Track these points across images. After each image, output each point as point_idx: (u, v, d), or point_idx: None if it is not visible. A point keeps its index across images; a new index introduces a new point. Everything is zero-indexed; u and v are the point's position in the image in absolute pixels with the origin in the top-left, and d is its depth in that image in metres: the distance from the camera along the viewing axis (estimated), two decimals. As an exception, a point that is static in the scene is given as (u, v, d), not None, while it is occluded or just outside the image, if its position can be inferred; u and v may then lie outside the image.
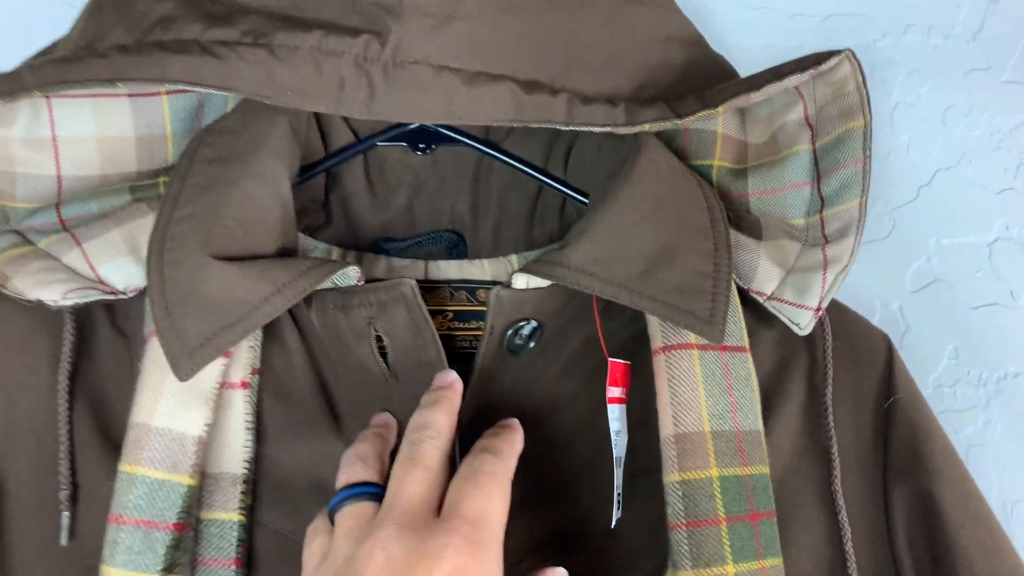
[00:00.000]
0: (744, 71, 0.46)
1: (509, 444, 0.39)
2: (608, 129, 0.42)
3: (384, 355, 0.44)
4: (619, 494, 0.44)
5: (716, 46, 0.54)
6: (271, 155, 0.43)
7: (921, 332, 0.57)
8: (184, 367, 0.39)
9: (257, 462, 0.44)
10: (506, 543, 0.36)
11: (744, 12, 0.58)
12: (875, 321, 0.56)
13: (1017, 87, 0.58)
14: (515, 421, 0.41)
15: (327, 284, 0.42)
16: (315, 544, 0.37)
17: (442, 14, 0.40)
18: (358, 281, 0.42)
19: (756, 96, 0.43)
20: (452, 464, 0.42)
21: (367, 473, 0.38)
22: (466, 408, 0.43)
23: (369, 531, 0.34)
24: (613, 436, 0.44)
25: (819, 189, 0.46)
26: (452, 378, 0.42)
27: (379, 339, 0.44)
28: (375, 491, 0.37)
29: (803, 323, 0.47)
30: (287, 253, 0.43)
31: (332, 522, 0.37)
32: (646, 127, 0.42)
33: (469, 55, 0.40)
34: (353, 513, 0.36)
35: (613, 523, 0.43)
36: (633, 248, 0.42)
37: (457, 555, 0.33)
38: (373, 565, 0.33)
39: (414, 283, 0.42)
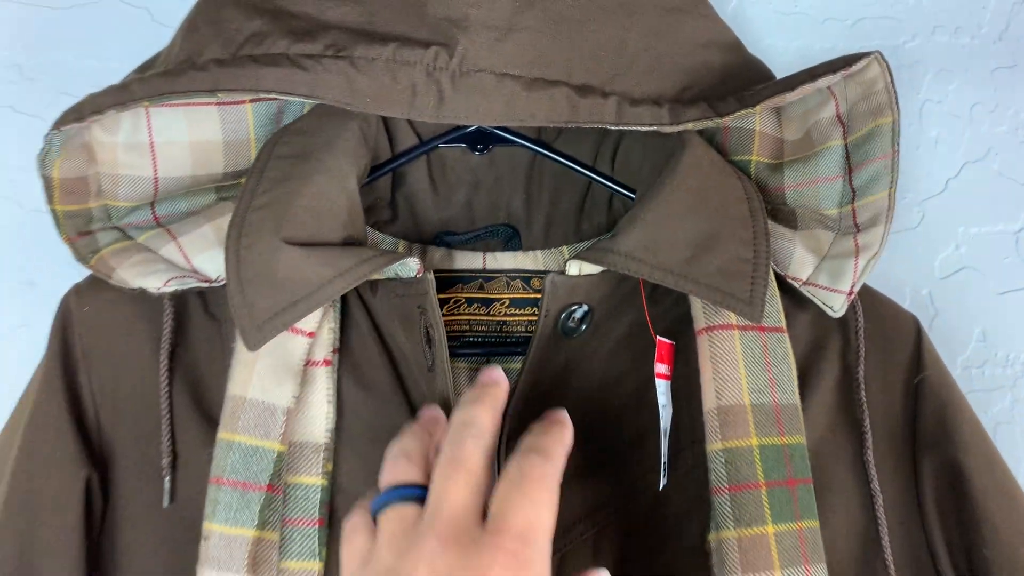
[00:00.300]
0: (780, 72, 0.49)
1: (558, 442, 0.38)
2: (654, 128, 0.46)
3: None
4: (665, 462, 0.48)
5: (753, 49, 0.58)
6: (341, 154, 0.48)
7: (950, 316, 0.60)
8: (253, 338, 0.43)
9: (337, 432, 0.48)
10: (560, 510, 0.40)
11: (779, 17, 0.61)
12: (906, 306, 0.59)
13: (1041, 83, 0.61)
14: (564, 414, 0.40)
15: (389, 274, 0.47)
16: (356, 543, 0.37)
17: (504, 27, 0.44)
18: (417, 273, 0.46)
19: (791, 96, 0.47)
20: (498, 459, 0.46)
21: (411, 472, 0.38)
22: (521, 388, 0.47)
23: (413, 541, 0.33)
24: (660, 409, 0.48)
25: (851, 181, 0.50)
26: (498, 375, 0.42)
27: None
28: (419, 493, 0.36)
29: (836, 306, 0.50)
30: (354, 243, 0.47)
31: (375, 521, 0.37)
32: (689, 126, 0.46)
33: (528, 63, 0.44)
34: (397, 517, 0.36)
35: (660, 487, 0.47)
36: (678, 236, 0.46)
37: (504, 572, 0.32)
38: None
39: (431, 276, 0.46)
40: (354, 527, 0.38)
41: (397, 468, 0.38)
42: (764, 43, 0.61)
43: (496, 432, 0.38)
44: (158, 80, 0.44)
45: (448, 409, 0.45)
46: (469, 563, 0.32)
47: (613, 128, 0.46)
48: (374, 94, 0.43)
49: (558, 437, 0.38)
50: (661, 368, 0.48)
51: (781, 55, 0.61)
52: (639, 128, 0.46)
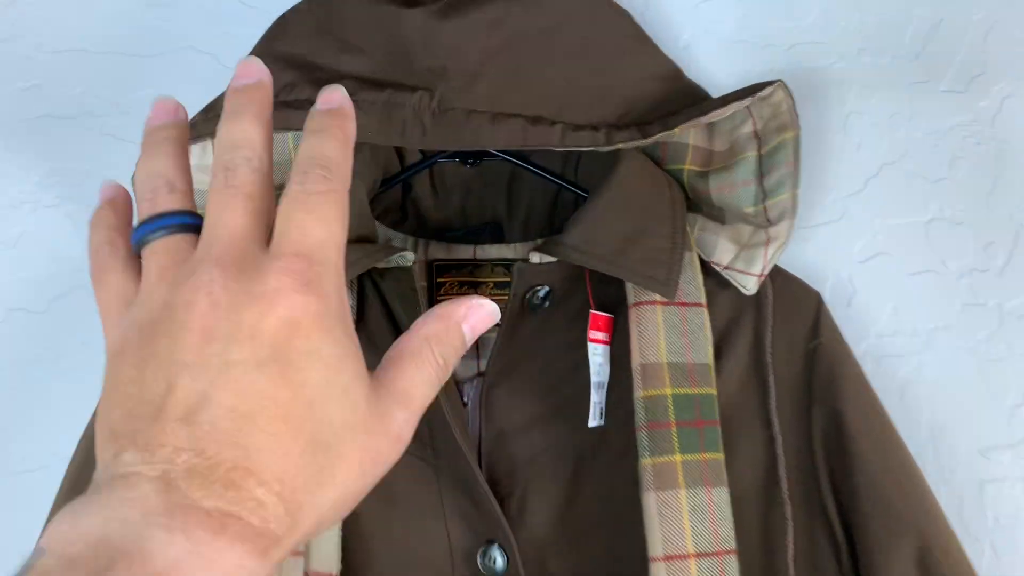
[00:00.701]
0: (724, 91, 0.61)
1: (341, 146, 0.33)
2: (591, 148, 0.59)
3: None
4: (597, 404, 0.61)
5: (703, 73, 0.71)
6: (354, 173, 0.62)
7: (867, 294, 0.70)
8: None
9: (354, 385, 0.63)
10: (523, 446, 0.54)
11: (725, 45, 0.73)
12: (828, 286, 0.71)
13: (951, 95, 0.71)
14: (343, 105, 0.34)
15: (391, 263, 0.61)
16: (112, 283, 0.32)
17: (472, 74, 0.58)
18: (413, 263, 0.61)
19: (704, 120, 0.59)
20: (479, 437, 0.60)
21: (176, 200, 0.33)
22: (497, 350, 0.61)
23: (190, 271, 0.29)
24: (594, 366, 0.61)
25: (762, 185, 0.62)
26: (258, 68, 0.34)
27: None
28: (190, 222, 0.32)
29: (750, 286, 0.63)
30: (364, 240, 0.62)
31: (138, 258, 0.32)
32: (620, 146, 0.59)
33: (490, 102, 0.58)
34: (165, 249, 0.31)
35: (590, 424, 0.61)
36: (611, 232, 0.59)
37: (293, 296, 0.29)
38: (196, 312, 0.28)
39: (412, 256, 0.59)
40: (103, 267, 0.33)
41: (158, 196, 0.33)
42: (712, 68, 0.72)
43: (268, 150, 0.33)
44: (216, 121, 0.59)
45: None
46: (252, 288, 0.29)
47: (559, 149, 0.59)
48: (374, 129, 0.57)
49: (339, 139, 0.33)
50: (597, 335, 0.61)
51: (727, 78, 0.72)
52: (579, 149, 0.59)
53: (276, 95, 0.58)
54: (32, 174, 0.75)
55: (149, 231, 0.32)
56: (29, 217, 0.75)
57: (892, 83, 0.71)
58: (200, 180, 0.63)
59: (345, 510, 0.32)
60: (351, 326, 0.32)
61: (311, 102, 0.56)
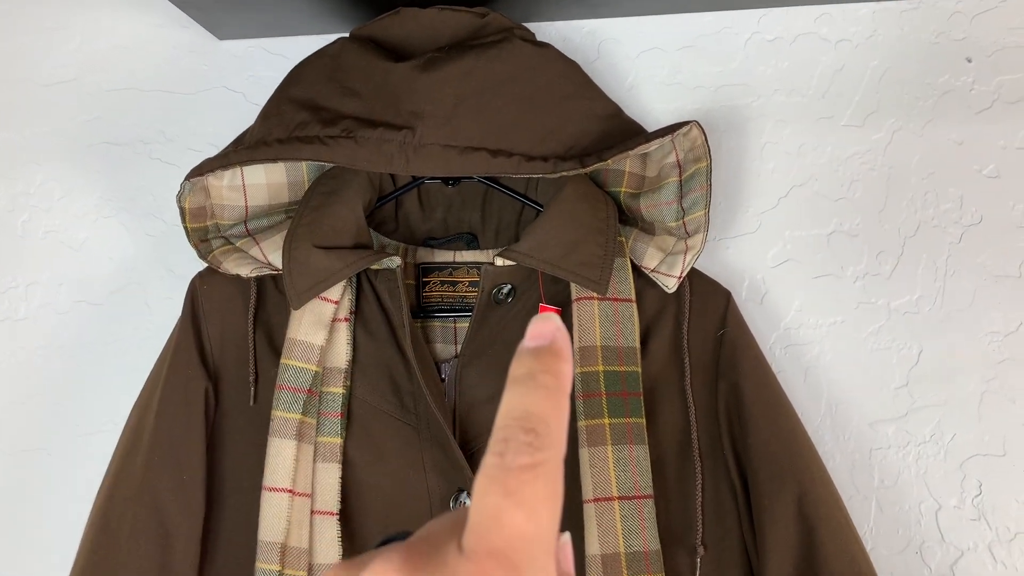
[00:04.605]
0: (660, 125, 0.75)
1: (552, 398, 0.25)
2: (541, 175, 0.74)
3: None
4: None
5: (643, 110, 0.85)
6: (353, 191, 0.77)
7: (777, 293, 0.85)
8: (296, 302, 0.73)
9: (354, 362, 0.78)
10: (486, 422, 0.68)
11: (662, 87, 0.87)
12: (745, 286, 0.85)
13: (851, 129, 0.85)
14: (556, 340, 0.26)
15: (382, 266, 0.76)
16: None
17: (447, 117, 0.72)
18: (399, 266, 0.76)
19: (633, 152, 0.74)
20: (454, 404, 0.76)
21: None
22: (468, 336, 0.76)
23: (367, 560, 0.25)
24: (544, 348, 0.76)
25: (681, 204, 0.77)
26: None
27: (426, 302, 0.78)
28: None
29: (670, 285, 0.77)
30: (361, 246, 0.77)
31: None
32: (565, 173, 0.74)
33: (461, 138, 0.72)
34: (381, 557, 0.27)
35: None
36: (556, 240, 0.74)
37: None
38: None
39: (399, 261, 0.74)
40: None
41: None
42: (652, 106, 0.87)
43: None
44: (244, 152, 0.74)
45: (419, 346, 0.75)
46: None
47: (516, 176, 0.74)
48: (367, 159, 0.72)
49: (553, 388, 0.25)
50: (546, 323, 0.76)
51: (664, 114, 0.87)
52: (533, 176, 0.74)
53: (292, 130, 0.74)
54: (94, 191, 0.91)
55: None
56: (91, 226, 0.91)
57: (801, 118, 0.86)
58: (230, 197, 0.79)
59: None
60: None
61: (318, 138, 0.73)
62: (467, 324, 0.79)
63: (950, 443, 0.82)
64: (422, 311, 0.84)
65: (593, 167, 0.74)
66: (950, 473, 0.82)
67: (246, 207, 0.80)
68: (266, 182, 0.80)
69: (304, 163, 0.82)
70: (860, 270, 0.84)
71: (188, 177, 0.74)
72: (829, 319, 0.84)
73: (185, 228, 0.77)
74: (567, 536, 0.27)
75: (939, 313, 0.83)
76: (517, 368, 0.26)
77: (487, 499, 0.23)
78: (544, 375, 0.25)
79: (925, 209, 0.84)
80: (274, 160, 0.73)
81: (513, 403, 0.25)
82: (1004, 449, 0.81)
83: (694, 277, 0.80)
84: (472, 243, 0.86)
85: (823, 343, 0.84)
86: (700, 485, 0.74)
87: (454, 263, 0.85)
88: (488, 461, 0.24)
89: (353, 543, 0.75)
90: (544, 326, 0.27)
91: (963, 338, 0.82)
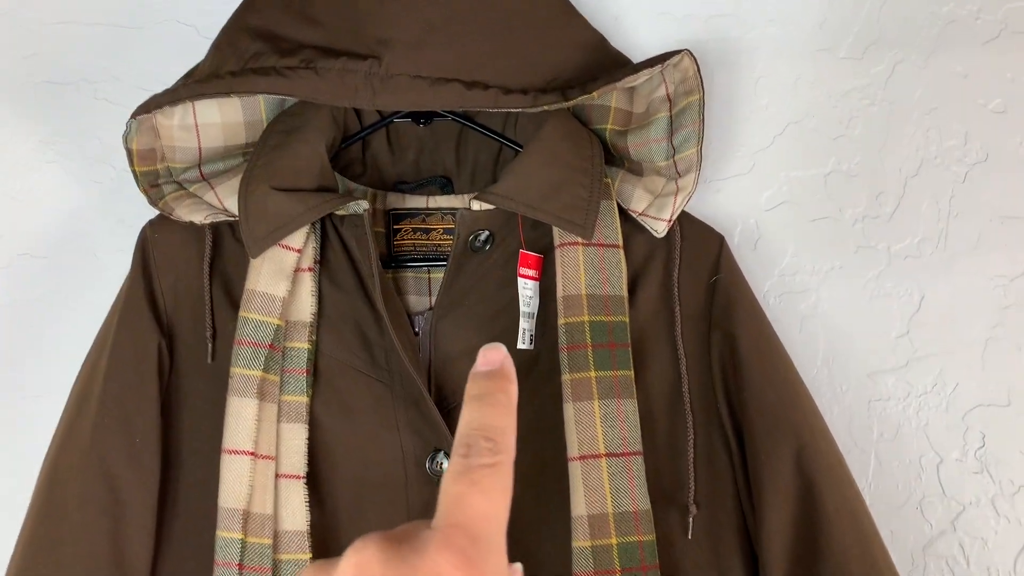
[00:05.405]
0: (648, 56, 0.69)
1: (504, 413, 0.32)
2: (520, 110, 0.68)
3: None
4: (526, 330, 0.71)
5: (629, 42, 0.79)
6: (314, 129, 0.71)
7: (772, 238, 0.79)
8: (255, 249, 0.67)
9: (320, 315, 0.72)
10: (456, 375, 0.63)
11: (650, 17, 0.81)
12: (737, 231, 0.80)
13: (850, 62, 0.80)
14: (505, 361, 0.34)
15: (348, 211, 0.70)
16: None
17: (416, 44, 0.66)
18: (366, 211, 0.70)
19: (619, 85, 0.68)
20: (429, 361, 0.70)
21: None
22: (442, 287, 0.71)
23: (355, 547, 0.29)
24: (523, 298, 0.71)
25: (672, 142, 0.71)
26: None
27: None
28: None
29: (660, 229, 0.72)
30: (325, 190, 0.71)
31: None
32: (545, 107, 0.68)
33: (432, 68, 0.66)
34: None
35: (518, 346, 0.71)
36: (537, 182, 0.68)
37: (454, 572, 0.28)
38: None
39: (367, 205, 0.69)
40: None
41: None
42: (638, 38, 0.81)
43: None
44: (194, 85, 0.68)
45: (389, 297, 0.70)
46: (411, 563, 0.28)
47: (493, 111, 0.68)
48: (330, 92, 0.65)
49: (504, 405, 0.32)
50: (527, 271, 0.71)
51: (652, 47, 0.80)
52: (511, 110, 0.68)
53: (246, 62, 0.67)
54: (34, 134, 0.84)
55: None
56: (33, 173, 0.84)
57: (797, 51, 0.80)
58: (182, 138, 0.72)
59: None
60: None
61: (275, 70, 0.66)
62: (442, 274, 0.74)
63: (952, 393, 0.78)
64: (393, 261, 0.78)
65: (577, 100, 0.68)
66: (952, 425, 0.78)
67: (199, 149, 0.73)
68: (221, 121, 0.74)
69: (262, 100, 0.75)
70: (859, 212, 0.79)
71: (134, 115, 0.68)
72: (826, 265, 0.79)
73: (134, 172, 0.71)
74: (519, 566, 0.32)
75: (942, 256, 0.78)
76: (473, 388, 0.33)
77: (454, 488, 0.29)
78: (498, 394, 0.32)
79: (928, 147, 0.79)
80: (227, 94, 0.66)
81: (473, 416, 0.32)
82: (1008, 399, 0.77)
83: (685, 221, 0.74)
84: (446, 187, 0.81)
85: (820, 290, 0.79)
86: (692, 440, 0.70)
87: (427, 209, 0.79)
88: (454, 462, 0.30)
89: (322, 508, 0.70)
90: (494, 354, 0.34)
91: (967, 283, 0.78)
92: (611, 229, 0.71)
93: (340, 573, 0.28)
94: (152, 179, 0.72)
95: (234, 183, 0.73)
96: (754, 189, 0.80)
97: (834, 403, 0.79)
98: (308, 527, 0.68)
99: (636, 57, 0.74)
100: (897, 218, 0.79)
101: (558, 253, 0.70)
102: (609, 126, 0.74)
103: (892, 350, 0.79)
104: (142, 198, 0.72)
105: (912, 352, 0.78)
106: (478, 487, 0.30)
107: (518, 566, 0.32)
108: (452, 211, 0.79)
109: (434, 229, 0.78)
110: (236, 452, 0.67)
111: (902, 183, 0.79)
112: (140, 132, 0.70)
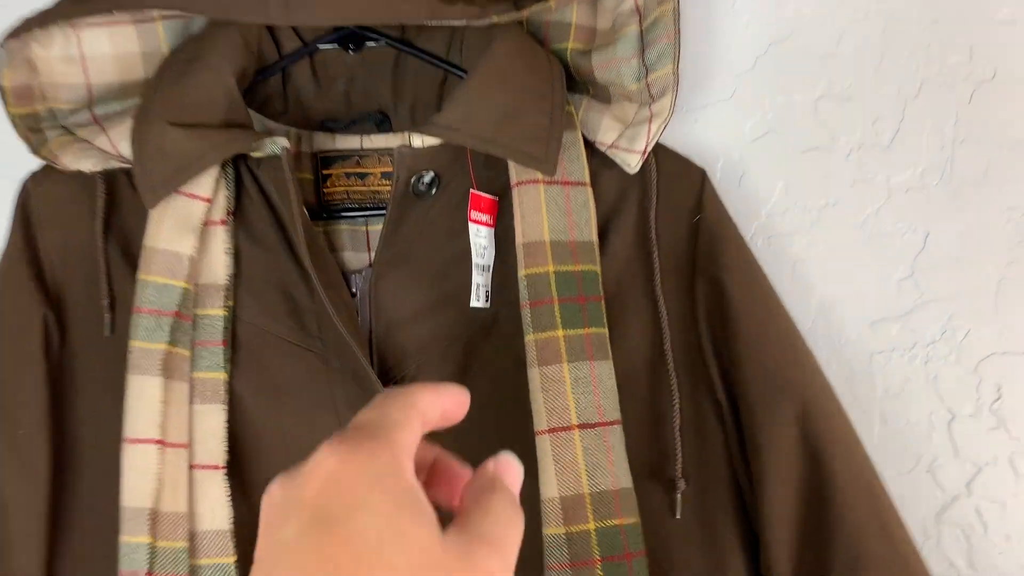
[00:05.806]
0: None
1: (511, 520, 0.32)
2: (465, 23, 0.57)
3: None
4: (481, 286, 0.61)
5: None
6: (220, 56, 0.60)
7: (757, 173, 0.70)
8: (150, 198, 0.57)
9: (237, 277, 0.62)
10: (412, 337, 0.54)
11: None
12: (719, 166, 0.71)
13: (840, -30, 0.71)
14: (510, 458, 0.36)
15: (264, 151, 0.59)
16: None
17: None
18: (284, 149, 0.58)
19: (576, -9, 0.58)
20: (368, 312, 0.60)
21: None
22: (382, 238, 0.60)
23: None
24: (476, 248, 0.61)
25: (643, 60, 0.61)
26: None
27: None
28: None
29: (632, 163, 0.62)
30: (236, 126, 0.60)
31: None
32: (495, 19, 0.57)
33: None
34: None
35: (472, 304, 0.61)
36: (488, 109, 0.58)
37: (330, 459, 0.30)
38: (263, 517, 0.32)
39: (286, 144, 0.58)
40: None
41: None
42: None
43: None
44: (69, 5, 0.56)
45: (318, 254, 0.59)
46: (300, 469, 0.31)
47: (432, 23, 0.57)
48: (233, 6, 0.54)
49: (511, 512, 0.33)
50: (480, 216, 0.61)
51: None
52: (452, 23, 0.57)
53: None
54: None
55: None
56: None
57: (781, -42, 0.70)
58: (65, 73, 0.61)
59: None
60: (408, 477, 0.31)
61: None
62: (381, 225, 0.63)
63: (963, 341, 0.69)
64: (324, 211, 0.67)
65: (531, 10, 0.58)
66: (964, 377, 0.70)
67: (88, 86, 0.62)
68: (112, 52, 0.62)
69: (161, 26, 0.64)
70: (854, 141, 0.70)
71: (2, 43, 0.56)
72: (819, 201, 0.70)
73: (9, 114, 0.59)
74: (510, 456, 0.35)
75: (948, 188, 0.69)
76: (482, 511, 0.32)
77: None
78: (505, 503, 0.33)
79: (929, 64, 0.70)
80: (109, 11, 0.55)
81: (481, 521, 0.32)
82: (1025, 345, 0.69)
83: (660, 153, 0.64)
84: (383, 124, 0.70)
85: (813, 231, 0.70)
86: (677, 405, 0.60)
87: (361, 150, 0.68)
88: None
89: (248, 503, 0.60)
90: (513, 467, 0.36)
91: (976, 217, 0.69)
92: (576, 164, 0.61)
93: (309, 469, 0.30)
94: (32, 123, 0.61)
95: (130, 124, 0.62)
96: (736, 118, 0.71)
97: (832, 357, 0.70)
98: (231, 525, 0.58)
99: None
100: (896, 146, 0.70)
101: (516, 193, 0.60)
102: (570, 44, 0.64)
103: (895, 295, 0.70)
104: (23, 146, 0.60)
105: (917, 297, 0.70)
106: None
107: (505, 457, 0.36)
108: (390, 151, 0.68)
109: (370, 173, 0.68)
110: (139, 441, 0.57)
111: (901, 106, 0.70)
112: (13, 66, 0.58)
